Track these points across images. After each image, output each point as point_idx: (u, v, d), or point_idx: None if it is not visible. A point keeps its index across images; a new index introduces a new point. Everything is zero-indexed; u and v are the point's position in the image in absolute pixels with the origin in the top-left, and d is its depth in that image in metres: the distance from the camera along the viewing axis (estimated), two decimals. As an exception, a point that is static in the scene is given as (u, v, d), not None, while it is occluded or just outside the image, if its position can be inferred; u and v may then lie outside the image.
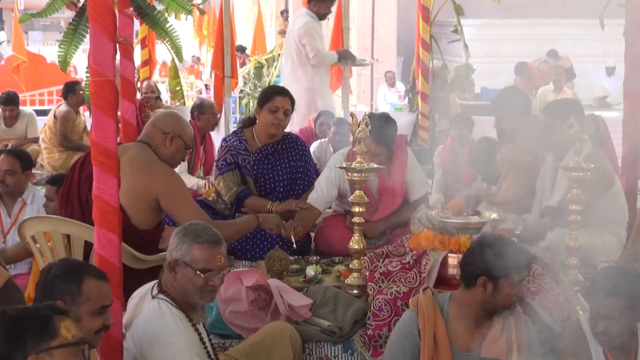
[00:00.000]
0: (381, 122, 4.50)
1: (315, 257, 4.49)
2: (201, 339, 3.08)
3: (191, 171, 7.00)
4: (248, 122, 4.99)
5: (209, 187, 6.63)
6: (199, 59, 23.40)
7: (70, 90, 8.31)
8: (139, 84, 8.64)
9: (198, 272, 2.98)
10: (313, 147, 7.39)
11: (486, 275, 3.07)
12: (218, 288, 3.09)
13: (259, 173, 4.84)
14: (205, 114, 7.15)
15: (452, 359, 3.07)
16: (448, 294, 3.20)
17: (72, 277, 2.70)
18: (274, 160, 4.86)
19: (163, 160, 4.06)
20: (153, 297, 3.05)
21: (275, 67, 15.28)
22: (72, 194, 4.04)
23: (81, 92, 8.16)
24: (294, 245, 4.36)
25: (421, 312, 3.12)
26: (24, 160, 5.19)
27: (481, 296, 3.08)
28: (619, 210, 4.49)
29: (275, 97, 4.81)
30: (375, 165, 4.04)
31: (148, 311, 3.02)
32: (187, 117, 7.75)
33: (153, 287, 3.11)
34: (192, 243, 3.01)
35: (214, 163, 7.39)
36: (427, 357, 3.07)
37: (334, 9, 8.32)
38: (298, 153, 4.95)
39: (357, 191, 3.90)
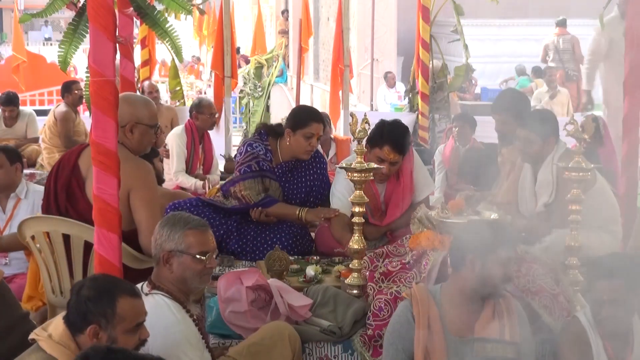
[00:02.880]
0: (400, 131, 4.49)
1: (315, 257, 4.49)
2: (199, 329, 3.13)
3: (190, 171, 7.00)
4: (273, 133, 4.84)
5: (209, 186, 6.64)
6: (199, 59, 23.42)
7: (67, 89, 8.31)
8: (139, 84, 8.64)
9: (197, 256, 3.07)
10: None
11: (473, 254, 3.11)
12: (214, 269, 3.24)
13: None
14: (204, 113, 7.13)
15: (445, 344, 3.09)
16: (439, 286, 3.26)
17: (106, 297, 2.66)
18: (292, 178, 4.82)
19: (134, 151, 3.94)
20: (147, 294, 3.07)
21: (275, 67, 15.29)
22: (51, 205, 3.98)
23: (77, 91, 8.16)
24: None
25: (415, 299, 3.16)
26: (10, 153, 5.09)
27: (470, 276, 3.10)
28: (607, 208, 4.49)
29: (311, 123, 4.68)
30: (375, 165, 4.03)
31: (147, 307, 3.03)
32: (186, 117, 7.77)
33: (142, 286, 3.13)
34: (185, 230, 3.08)
35: (213, 161, 7.41)
36: (421, 342, 3.09)
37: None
38: (317, 172, 4.88)
39: (357, 191, 3.89)
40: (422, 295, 3.16)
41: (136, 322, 2.70)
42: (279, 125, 4.91)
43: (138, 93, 7.55)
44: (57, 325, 2.69)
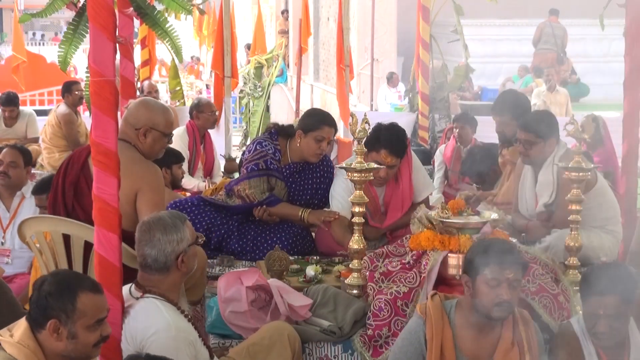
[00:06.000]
0: (396, 135, 4.52)
1: (315, 257, 4.49)
2: (195, 328, 3.14)
3: (191, 172, 6.99)
4: (284, 133, 4.87)
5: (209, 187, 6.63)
6: (199, 59, 23.42)
7: (67, 90, 8.31)
8: (139, 84, 8.63)
9: (200, 240, 3.30)
10: None
11: (466, 273, 3.09)
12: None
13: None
14: (204, 112, 7.15)
15: None
16: (455, 301, 3.18)
17: (66, 293, 2.65)
18: (299, 179, 4.83)
19: (145, 155, 3.95)
20: (138, 299, 3.10)
21: (275, 67, 15.28)
22: (58, 201, 3.98)
23: (77, 92, 8.16)
24: None
25: (429, 320, 3.09)
26: (26, 155, 5.29)
27: (467, 295, 3.08)
28: (608, 209, 4.49)
29: (323, 127, 4.71)
30: (375, 165, 4.03)
31: (139, 310, 3.06)
32: (186, 117, 7.76)
33: (130, 289, 3.15)
34: (185, 224, 3.20)
35: (214, 162, 7.40)
36: None
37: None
38: (323, 175, 4.90)
39: (357, 191, 3.89)
40: (437, 316, 3.08)
41: (97, 318, 2.69)
42: (290, 126, 4.93)
43: (137, 93, 7.54)
44: (19, 325, 2.69)
